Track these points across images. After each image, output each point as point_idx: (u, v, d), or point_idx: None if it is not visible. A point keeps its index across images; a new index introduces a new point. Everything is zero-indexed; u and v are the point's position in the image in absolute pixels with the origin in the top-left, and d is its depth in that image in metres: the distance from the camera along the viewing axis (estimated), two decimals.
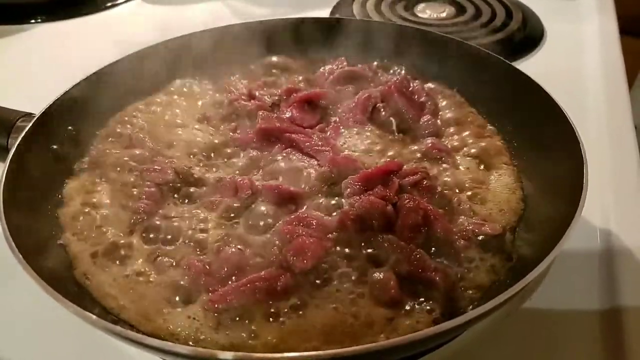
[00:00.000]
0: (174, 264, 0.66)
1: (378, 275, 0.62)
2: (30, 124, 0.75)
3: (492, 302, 0.51)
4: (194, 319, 0.60)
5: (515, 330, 0.66)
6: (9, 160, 0.68)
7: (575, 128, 0.71)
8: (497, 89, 0.88)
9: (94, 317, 0.51)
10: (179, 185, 0.74)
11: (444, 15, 1.37)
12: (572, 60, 1.19)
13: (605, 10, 1.38)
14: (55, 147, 0.78)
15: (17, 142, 0.72)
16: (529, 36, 1.28)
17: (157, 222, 0.70)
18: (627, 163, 0.90)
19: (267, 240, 0.67)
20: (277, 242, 0.66)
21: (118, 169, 0.78)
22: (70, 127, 0.81)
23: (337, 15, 1.36)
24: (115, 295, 0.63)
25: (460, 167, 0.79)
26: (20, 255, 0.56)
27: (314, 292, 0.62)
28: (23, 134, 0.73)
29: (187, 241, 0.68)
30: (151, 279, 0.64)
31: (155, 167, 0.75)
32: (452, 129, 0.87)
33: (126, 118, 0.88)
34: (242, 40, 1.01)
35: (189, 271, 0.63)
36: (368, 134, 0.85)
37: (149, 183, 0.73)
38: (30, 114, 0.79)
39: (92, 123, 0.85)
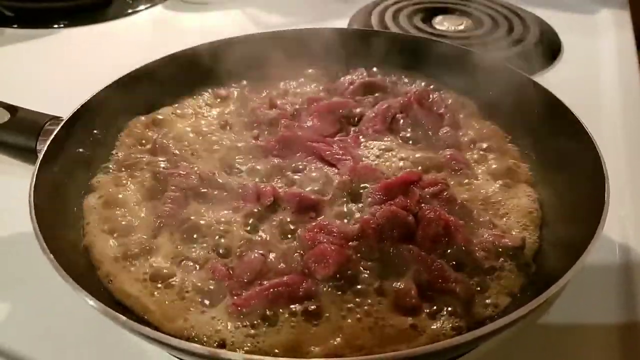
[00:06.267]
0: (198, 267, 0.67)
1: (398, 284, 0.63)
2: (59, 128, 0.76)
3: (512, 316, 0.52)
4: (217, 321, 0.61)
5: (533, 343, 0.66)
6: (39, 163, 0.70)
7: (595, 143, 0.72)
8: (516, 102, 0.89)
9: (124, 318, 0.52)
10: (202, 190, 0.75)
11: (461, 28, 1.38)
12: (589, 74, 1.20)
13: (621, 24, 1.39)
14: (81, 150, 0.80)
15: (47, 146, 0.73)
16: (546, 50, 1.28)
17: (181, 226, 0.71)
18: None
19: (288, 246, 0.68)
20: (298, 248, 0.67)
21: (143, 173, 0.79)
22: (96, 131, 0.83)
23: (355, 26, 1.38)
24: (138, 297, 0.64)
25: (480, 178, 0.80)
26: (52, 256, 0.58)
27: (335, 299, 0.63)
28: (52, 137, 0.75)
29: (210, 245, 0.69)
30: (175, 282, 0.66)
31: (180, 171, 0.76)
32: (470, 141, 0.87)
33: (151, 123, 0.89)
34: (263, 50, 1.02)
35: (213, 275, 0.65)
36: (387, 144, 0.86)
37: (173, 187, 0.74)
38: (58, 117, 0.81)
39: (118, 127, 0.87)
